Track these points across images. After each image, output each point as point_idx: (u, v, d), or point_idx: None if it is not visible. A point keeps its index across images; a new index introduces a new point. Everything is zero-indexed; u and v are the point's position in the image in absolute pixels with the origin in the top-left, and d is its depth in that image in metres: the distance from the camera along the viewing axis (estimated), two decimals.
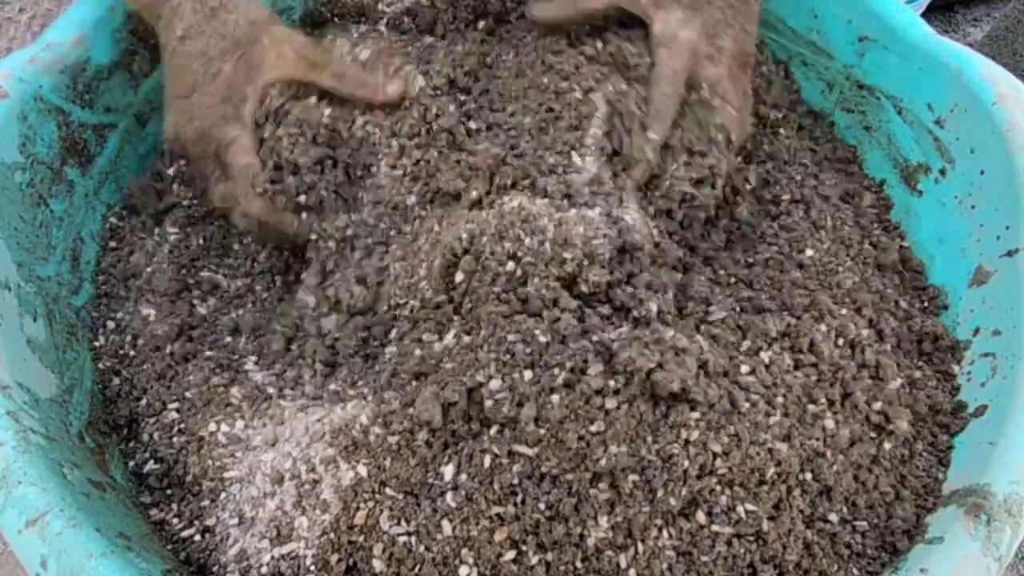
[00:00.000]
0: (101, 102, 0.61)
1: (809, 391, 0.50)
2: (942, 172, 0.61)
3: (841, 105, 0.70)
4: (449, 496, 0.45)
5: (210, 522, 0.48)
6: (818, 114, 0.72)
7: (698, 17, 0.59)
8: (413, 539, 0.44)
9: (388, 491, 0.46)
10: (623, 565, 0.44)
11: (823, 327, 0.53)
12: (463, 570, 0.44)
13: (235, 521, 0.47)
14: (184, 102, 0.55)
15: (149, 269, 0.59)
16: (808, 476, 0.47)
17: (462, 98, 0.62)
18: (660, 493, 0.45)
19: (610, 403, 0.46)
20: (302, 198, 0.56)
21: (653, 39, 0.59)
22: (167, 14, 0.54)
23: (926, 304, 0.59)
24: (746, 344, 0.52)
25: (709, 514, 0.45)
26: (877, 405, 0.51)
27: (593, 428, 0.45)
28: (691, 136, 0.59)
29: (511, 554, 0.44)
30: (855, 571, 0.46)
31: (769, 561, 0.45)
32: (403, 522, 0.45)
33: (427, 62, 0.62)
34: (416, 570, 0.44)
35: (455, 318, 0.52)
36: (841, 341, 0.53)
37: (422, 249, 0.54)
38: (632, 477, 0.45)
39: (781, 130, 0.68)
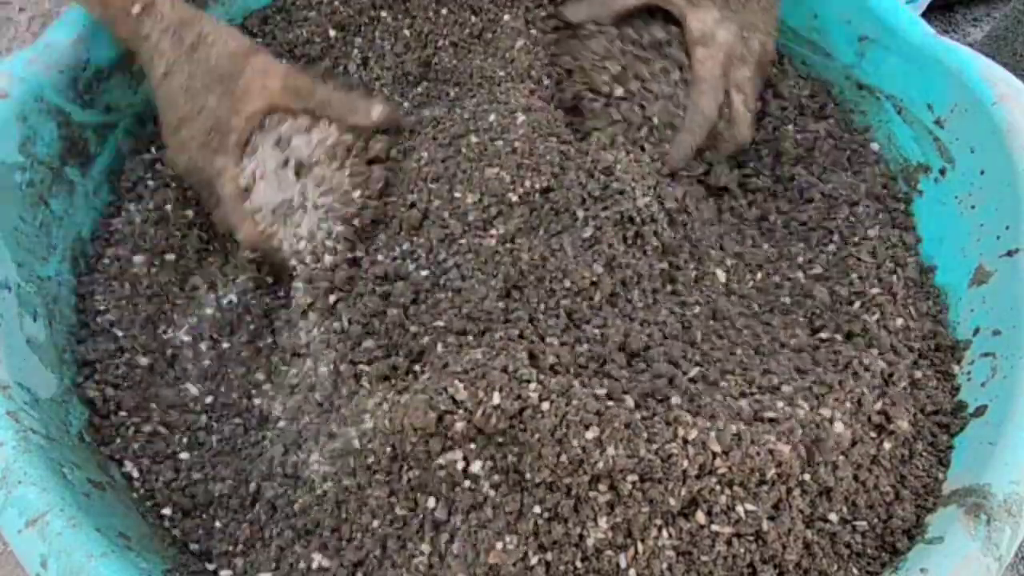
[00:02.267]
0: (101, 102, 0.61)
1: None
2: (942, 172, 0.61)
3: (841, 105, 0.70)
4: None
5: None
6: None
7: (734, 18, 0.61)
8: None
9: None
10: (623, 565, 0.44)
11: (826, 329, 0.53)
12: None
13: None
14: (174, 137, 0.56)
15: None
16: (808, 476, 0.47)
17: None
18: (659, 493, 0.44)
19: (599, 405, 0.46)
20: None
21: (690, 37, 0.61)
22: (147, 51, 0.55)
23: (930, 304, 0.58)
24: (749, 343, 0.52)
25: (709, 514, 0.45)
26: (878, 405, 0.51)
27: (589, 435, 0.45)
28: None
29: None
30: (855, 571, 0.46)
31: (769, 561, 0.45)
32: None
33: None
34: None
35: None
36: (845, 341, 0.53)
37: None
38: (631, 478, 0.45)
39: (789, 126, 0.67)
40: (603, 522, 0.44)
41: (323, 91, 0.58)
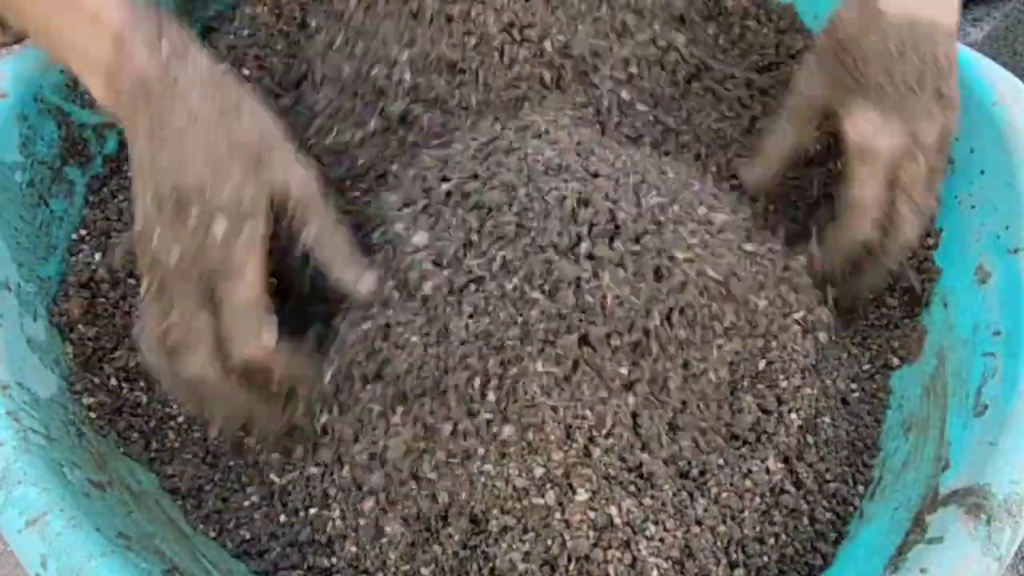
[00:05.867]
0: None
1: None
2: None
3: None
4: None
5: None
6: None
7: (897, 116, 0.49)
8: None
9: None
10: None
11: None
12: None
13: None
14: (184, 212, 0.42)
15: None
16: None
17: None
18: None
19: None
20: None
21: (847, 151, 0.51)
22: (165, 98, 0.42)
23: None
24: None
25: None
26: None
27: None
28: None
29: None
30: None
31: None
32: None
33: None
34: None
35: None
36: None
37: None
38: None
39: None
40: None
41: (320, 218, 0.46)
